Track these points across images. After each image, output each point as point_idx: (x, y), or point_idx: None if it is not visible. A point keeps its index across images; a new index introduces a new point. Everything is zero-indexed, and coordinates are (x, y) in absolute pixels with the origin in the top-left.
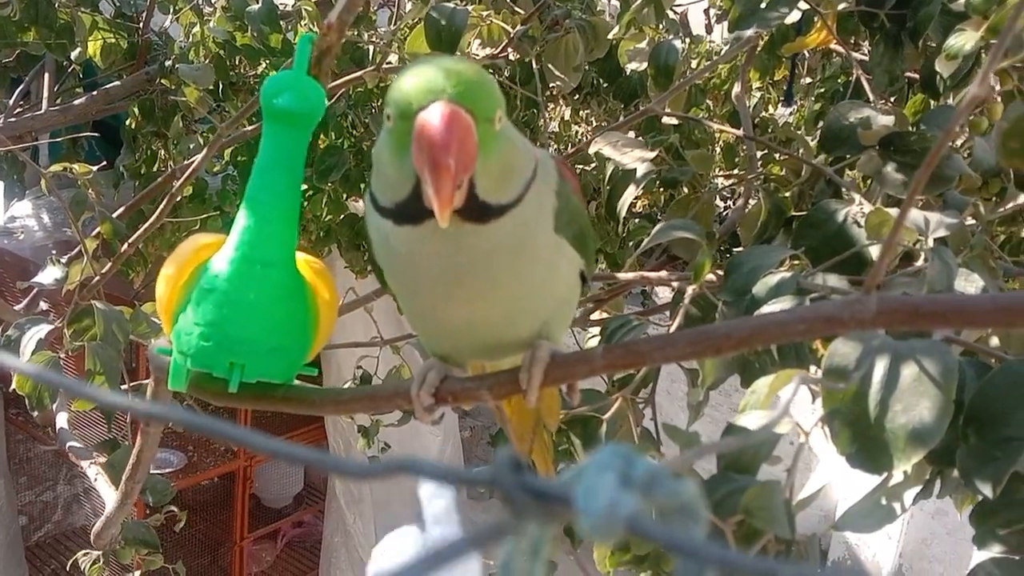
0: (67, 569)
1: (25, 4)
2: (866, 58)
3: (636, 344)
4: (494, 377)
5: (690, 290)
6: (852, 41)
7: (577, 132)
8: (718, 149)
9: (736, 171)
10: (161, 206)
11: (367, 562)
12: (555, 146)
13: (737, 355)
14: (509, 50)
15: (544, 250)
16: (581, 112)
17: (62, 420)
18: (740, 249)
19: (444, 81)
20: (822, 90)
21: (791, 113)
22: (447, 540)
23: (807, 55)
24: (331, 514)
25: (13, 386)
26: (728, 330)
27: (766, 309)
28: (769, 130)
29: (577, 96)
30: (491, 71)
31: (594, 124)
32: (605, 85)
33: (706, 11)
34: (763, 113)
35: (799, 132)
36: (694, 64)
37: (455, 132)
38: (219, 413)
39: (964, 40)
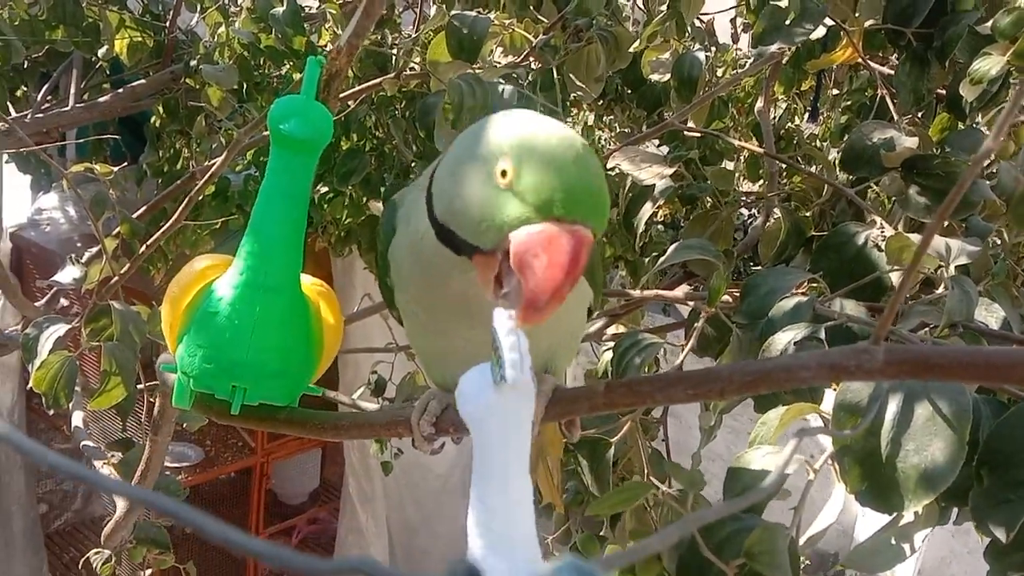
0: (83, 560)
1: (53, 3)
2: (893, 72)
3: (638, 383)
4: None
5: (704, 313)
6: (880, 56)
7: (600, 138)
8: (742, 161)
9: (760, 184)
10: (181, 206)
11: (379, 560)
12: None
13: None
14: (531, 58)
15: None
16: (605, 118)
17: (77, 419)
18: (759, 268)
19: (590, 202)
20: (848, 103)
21: (818, 125)
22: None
23: (835, 67)
24: (345, 513)
25: (30, 384)
26: (732, 373)
27: (780, 336)
28: (794, 142)
29: (601, 102)
30: (512, 78)
31: (618, 130)
32: (629, 92)
33: (733, 20)
34: (788, 124)
35: (824, 144)
36: (720, 73)
37: (582, 263)
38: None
39: (989, 64)
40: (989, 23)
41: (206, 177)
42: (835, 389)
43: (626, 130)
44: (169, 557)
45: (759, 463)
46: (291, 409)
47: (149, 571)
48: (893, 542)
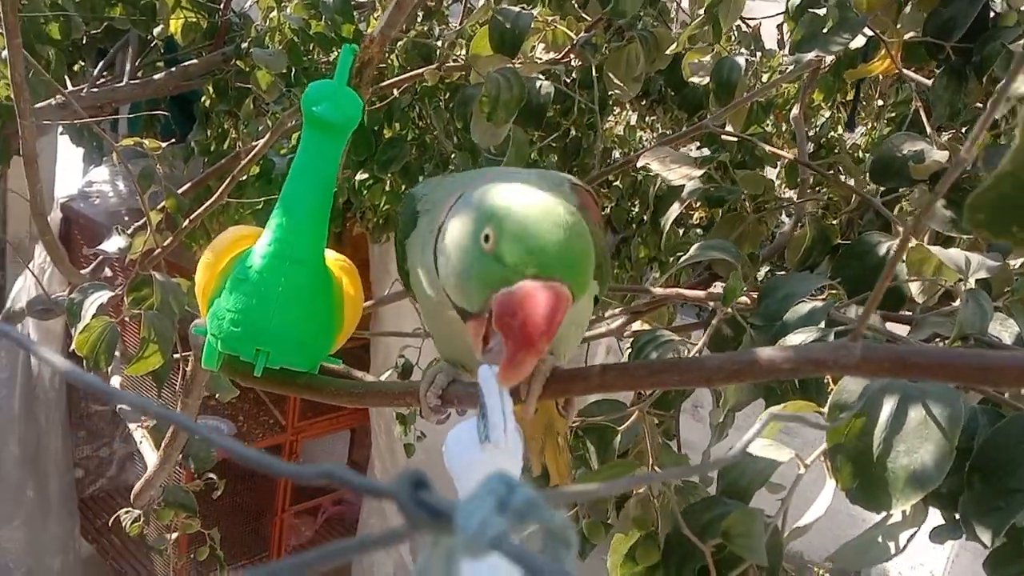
0: (113, 518)
1: None
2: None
3: (631, 368)
4: None
5: (719, 312)
6: (921, 68)
7: (642, 137)
8: (779, 167)
9: (796, 190)
10: (224, 184)
11: (400, 546)
12: (620, 149)
13: (764, 384)
14: (571, 55)
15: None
16: (647, 118)
17: (115, 383)
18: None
19: (565, 261)
20: (892, 114)
21: (861, 135)
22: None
23: (880, 77)
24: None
25: (72, 347)
26: (719, 363)
27: (790, 338)
28: (835, 151)
29: (644, 102)
30: (552, 75)
31: (660, 131)
32: (672, 94)
33: (779, 26)
34: (831, 133)
35: (865, 155)
36: (765, 78)
37: (558, 320)
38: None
39: (1019, 83)
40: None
41: (250, 156)
42: (831, 391)
43: (668, 132)
44: (195, 522)
45: (756, 453)
46: (310, 375)
47: (176, 534)
48: (880, 540)
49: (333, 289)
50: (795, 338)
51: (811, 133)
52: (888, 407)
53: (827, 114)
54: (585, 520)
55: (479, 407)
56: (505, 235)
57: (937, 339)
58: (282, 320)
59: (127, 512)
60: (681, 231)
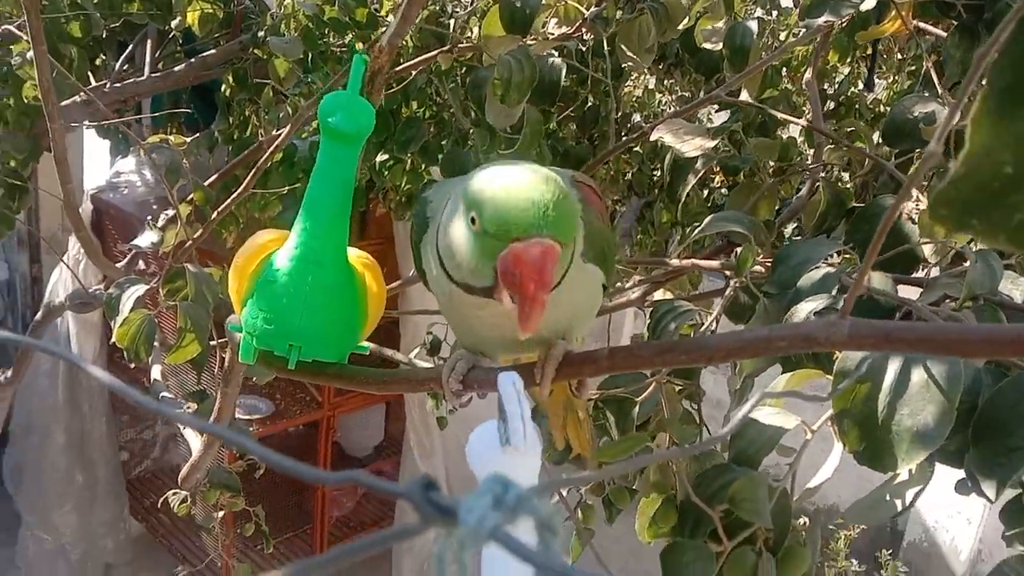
0: (162, 500)
1: None
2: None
3: (638, 348)
4: (514, 370)
5: (733, 282)
6: (938, 22)
7: (660, 101)
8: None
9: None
10: (250, 175)
11: None
12: (640, 113)
13: None
14: (583, 30)
15: (575, 279)
16: (665, 81)
17: (156, 372)
18: (800, 239)
19: (542, 219)
20: (913, 68)
21: (883, 88)
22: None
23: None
24: (406, 466)
25: (112, 339)
26: (719, 342)
27: (802, 306)
28: (855, 108)
29: (661, 65)
30: (563, 52)
31: (679, 93)
32: (688, 57)
33: None
34: (851, 90)
35: (887, 109)
36: (782, 37)
37: (548, 267)
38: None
39: None
40: None
41: (273, 147)
42: (836, 358)
43: (686, 94)
44: (240, 500)
45: (764, 420)
46: (340, 365)
47: (222, 512)
48: (888, 498)
49: (357, 285)
50: (806, 306)
51: (831, 91)
52: (891, 371)
53: (846, 70)
54: (611, 487)
55: (499, 411)
56: (485, 213)
57: (948, 300)
58: (311, 317)
59: (175, 493)
60: (705, 192)
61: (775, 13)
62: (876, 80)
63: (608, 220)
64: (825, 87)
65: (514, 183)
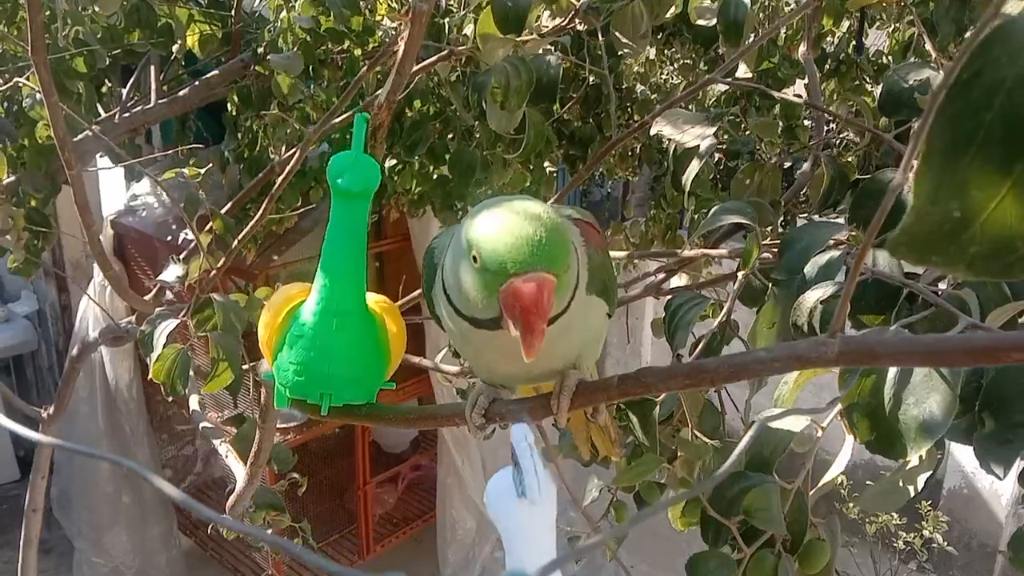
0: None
1: (129, 11)
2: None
3: (644, 375)
4: (532, 401)
5: (740, 275)
6: None
7: (661, 72)
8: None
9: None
10: (265, 204)
11: (477, 501)
12: (641, 86)
13: (788, 334)
14: (576, 20)
15: (580, 313)
16: (666, 51)
17: (194, 402)
18: (806, 216)
19: (535, 255)
20: (910, 18)
21: (886, 36)
22: (533, 471)
23: None
24: (443, 458)
25: (150, 374)
26: (717, 366)
27: (809, 294)
28: (856, 64)
29: (659, 36)
30: (558, 46)
31: (680, 62)
32: (685, 27)
33: None
34: (849, 48)
35: (888, 60)
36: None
37: (544, 300)
38: None
39: (1012, 8)
40: None
41: (285, 173)
42: None
43: (687, 61)
44: (285, 517)
45: (775, 424)
46: (369, 405)
47: (269, 530)
48: (900, 484)
49: (378, 330)
50: (812, 294)
51: (829, 49)
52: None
53: (844, 27)
54: (641, 484)
55: (513, 461)
56: (484, 252)
57: (945, 279)
58: (339, 366)
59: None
60: (712, 176)
61: None
62: (875, 31)
63: (608, 253)
64: (823, 47)
65: (509, 222)
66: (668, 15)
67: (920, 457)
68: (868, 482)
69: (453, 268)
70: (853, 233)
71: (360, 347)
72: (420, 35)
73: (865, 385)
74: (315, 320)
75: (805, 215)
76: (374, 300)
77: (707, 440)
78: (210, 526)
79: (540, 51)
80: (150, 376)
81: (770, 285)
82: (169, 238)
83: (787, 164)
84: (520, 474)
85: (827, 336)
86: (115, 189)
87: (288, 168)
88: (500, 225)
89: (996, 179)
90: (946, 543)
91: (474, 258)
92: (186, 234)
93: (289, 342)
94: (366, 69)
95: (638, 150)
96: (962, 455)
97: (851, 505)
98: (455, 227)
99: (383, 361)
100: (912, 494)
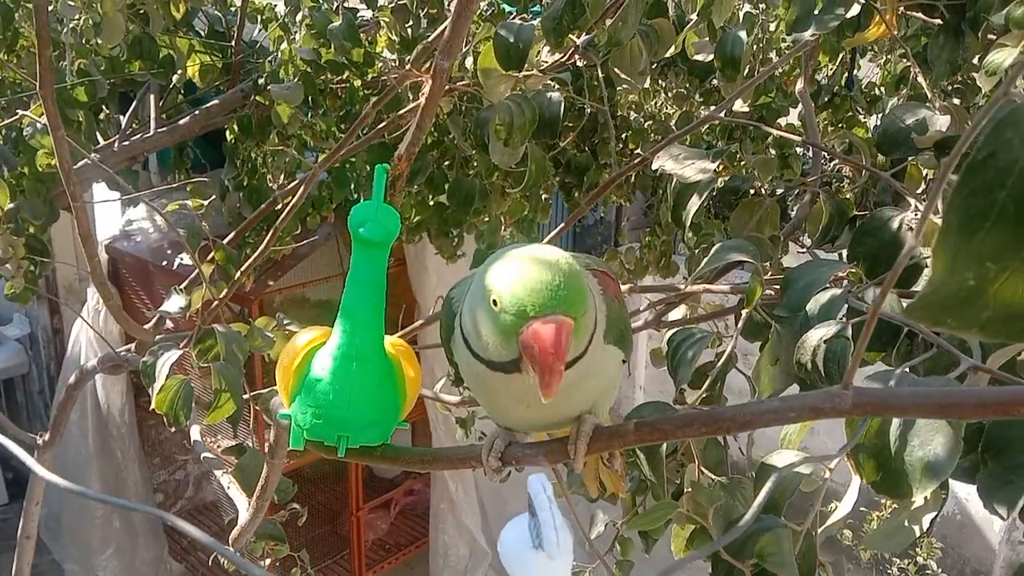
0: (212, 558)
1: (131, 42)
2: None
3: (660, 423)
4: (548, 445)
5: (744, 313)
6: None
7: (658, 102)
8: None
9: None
10: (267, 239)
11: (470, 526)
12: (636, 115)
13: (792, 371)
14: (576, 57)
15: (597, 360)
16: (660, 82)
17: (195, 432)
18: (805, 251)
19: (554, 298)
20: (902, 51)
21: (879, 67)
22: (552, 524)
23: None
24: (437, 484)
25: (152, 405)
26: (734, 415)
27: (812, 334)
28: (851, 97)
29: (655, 66)
30: (556, 87)
31: (675, 90)
32: (680, 60)
33: None
34: (843, 80)
35: (881, 91)
36: (773, 28)
37: (562, 340)
38: None
39: (1003, 56)
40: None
41: (287, 211)
42: None
43: (682, 91)
44: (284, 547)
45: (784, 461)
46: (385, 446)
47: (268, 560)
48: (906, 524)
49: (395, 374)
50: (815, 333)
51: (824, 81)
52: None
53: (839, 59)
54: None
55: (529, 510)
56: (505, 296)
57: None
58: (357, 411)
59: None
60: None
61: (763, 6)
62: (867, 62)
63: (623, 302)
64: (818, 77)
65: (529, 268)
66: (666, 54)
67: (925, 498)
68: (863, 508)
69: (471, 313)
70: (853, 270)
71: (378, 392)
72: (441, 91)
73: (871, 427)
74: (335, 365)
75: (803, 249)
76: (390, 342)
77: (713, 476)
78: (211, 556)
79: (541, 87)
80: (152, 407)
81: (773, 323)
82: (164, 263)
83: (779, 191)
84: (538, 525)
85: (840, 388)
86: (110, 214)
87: (292, 202)
88: (520, 270)
89: (1008, 252)
90: (940, 570)
91: (494, 302)
92: (181, 259)
93: (308, 386)
94: (371, 107)
95: (632, 178)
96: (955, 482)
97: (847, 533)
98: (467, 278)
99: (399, 403)
100: (918, 534)
